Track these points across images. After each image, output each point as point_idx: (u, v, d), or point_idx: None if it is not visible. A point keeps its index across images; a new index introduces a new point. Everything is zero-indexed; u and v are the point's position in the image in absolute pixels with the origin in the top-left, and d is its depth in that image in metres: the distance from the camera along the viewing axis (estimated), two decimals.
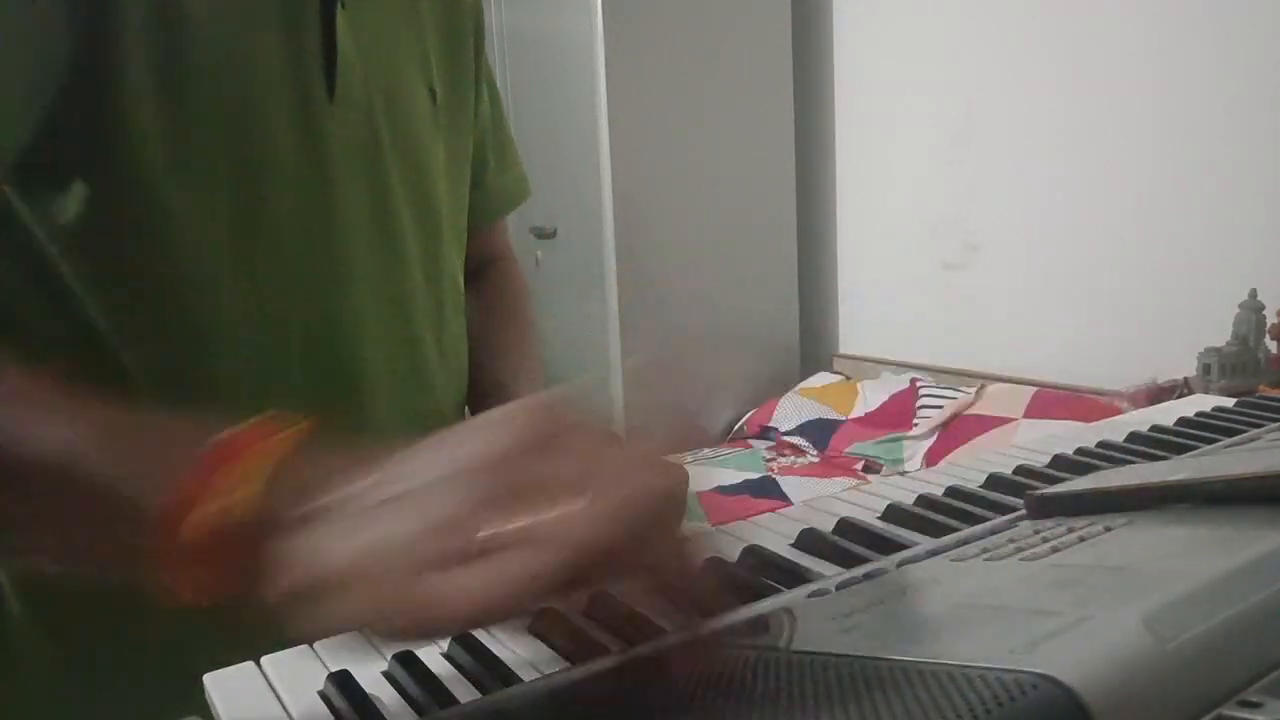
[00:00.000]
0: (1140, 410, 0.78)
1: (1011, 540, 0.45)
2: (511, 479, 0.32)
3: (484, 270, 0.85)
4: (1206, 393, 1.56)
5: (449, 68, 0.70)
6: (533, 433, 0.33)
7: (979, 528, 0.52)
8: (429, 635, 0.35)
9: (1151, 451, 0.64)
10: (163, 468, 0.36)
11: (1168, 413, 0.74)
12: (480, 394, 0.76)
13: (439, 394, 0.69)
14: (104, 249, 0.53)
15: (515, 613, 0.33)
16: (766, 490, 2.22)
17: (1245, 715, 0.28)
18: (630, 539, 0.31)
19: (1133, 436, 0.68)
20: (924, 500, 0.59)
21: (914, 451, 2.30)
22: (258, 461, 0.36)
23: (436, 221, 0.67)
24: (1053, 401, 2.18)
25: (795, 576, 0.50)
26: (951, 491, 0.60)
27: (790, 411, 2.61)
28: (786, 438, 2.58)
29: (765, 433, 2.64)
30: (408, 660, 0.43)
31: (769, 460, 2.48)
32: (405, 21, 0.65)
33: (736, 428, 2.73)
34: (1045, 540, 0.42)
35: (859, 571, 0.48)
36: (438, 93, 0.67)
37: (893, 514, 0.57)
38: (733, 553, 0.54)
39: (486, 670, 0.42)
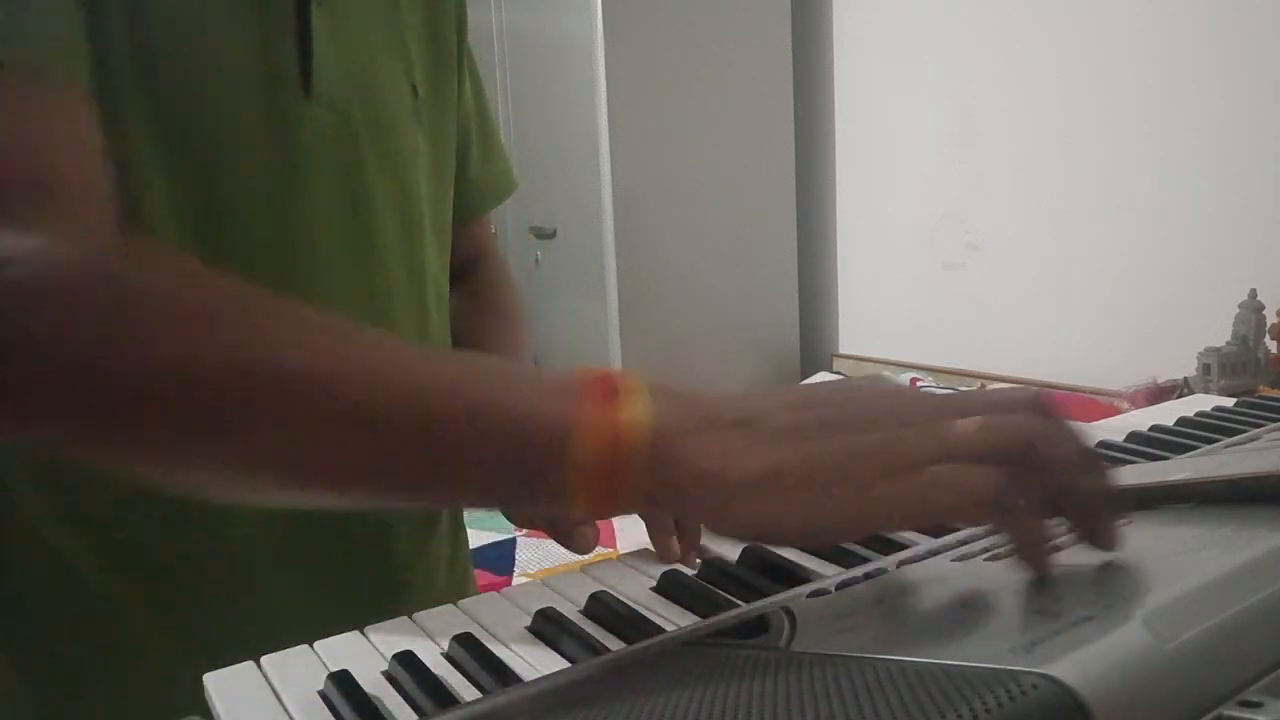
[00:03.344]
0: (1140, 410, 0.78)
1: None
2: (918, 410, 0.38)
3: (470, 267, 0.83)
4: (1206, 393, 1.57)
5: (431, 61, 0.69)
6: (891, 388, 0.40)
7: (979, 528, 0.52)
8: (911, 524, 0.39)
9: (1151, 451, 0.64)
10: (554, 391, 0.39)
11: (1168, 413, 0.74)
12: None
13: None
14: None
15: (958, 517, 0.39)
16: None
17: (1245, 715, 0.28)
18: (1054, 436, 0.38)
19: (1133, 436, 0.68)
20: None
21: None
22: (634, 386, 0.39)
23: (418, 219, 0.66)
24: None
25: (795, 576, 0.50)
26: None
27: None
28: None
29: None
30: (408, 660, 0.43)
31: None
32: (385, 15, 0.64)
33: None
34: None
35: (859, 571, 0.48)
36: (419, 87, 0.66)
37: None
38: (733, 553, 0.54)
39: (486, 670, 0.42)
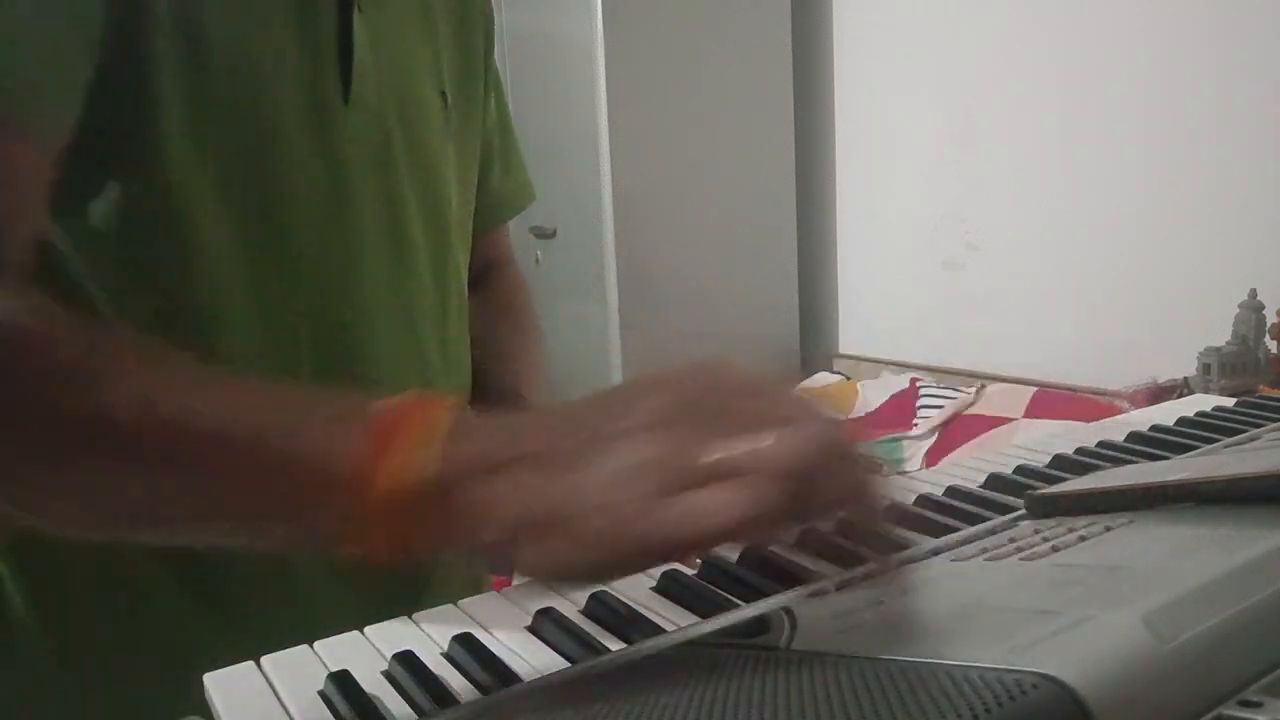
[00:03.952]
0: (1140, 410, 0.78)
1: (1012, 540, 0.45)
2: (713, 419, 0.36)
3: (487, 274, 0.85)
4: (1206, 393, 1.57)
5: (460, 71, 0.71)
6: (711, 383, 0.37)
7: (979, 528, 0.52)
8: (661, 558, 0.36)
9: (1151, 451, 0.64)
10: (341, 434, 0.38)
11: (1168, 413, 0.74)
12: (488, 399, 0.76)
13: None
14: (126, 250, 0.54)
15: (742, 537, 0.36)
16: None
17: (1245, 715, 0.28)
18: (829, 465, 0.35)
19: (1133, 436, 0.68)
20: (924, 500, 0.59)
21: (914, 451, 2.30)
22: (428, 424, 0.38)
23: (445, 225, 0.68)
24: (1053, 401, 2.18)
25: (795, 576, 0.50)
26: (951, 491, 0.60)
27: None
28: None
29: None
30: (408, 660, 0.43)
31: None
32: (418, 25, 0.66)
33: None
34: (1045, 540, 0.42)
35: (859, 571, 0.48)
36: (449, 96, 0.68)
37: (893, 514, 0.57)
38: (733, 553, 0.54)
39: (486, 670, 0.42)
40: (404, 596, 0.57)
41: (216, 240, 0.55)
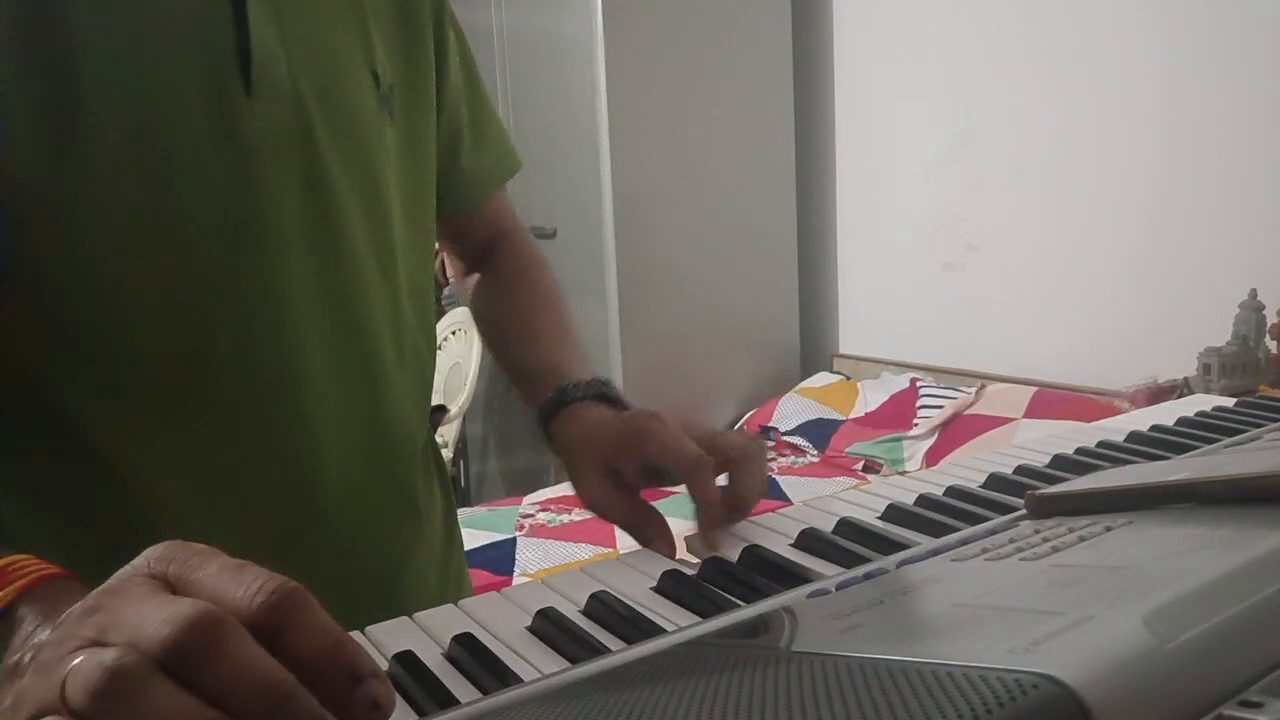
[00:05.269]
0: (1140, 410, 0.78)
1: (1012, 540, 0.45)
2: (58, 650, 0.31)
3: (492, 249, 0.82)
4: (1206, 393, 1.57)
5: (401, 49, 0.67)
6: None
7: (979, 528, 0.52)
8: None
9: (1151, 451, 0.64)
10: None
11: (1168, 413, 0.74)
12: (527, 379, 0.72)
13: (397, 393, 0.66)
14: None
15: None
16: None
17: (1245, 715, 0.28)
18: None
19: (1133, 436, 0.68)
20: (924, 500, 0.59)
21: (914, 451, 2.30)
22: None
23: (386, 213, 0.65)
24: (1053, 401, 2.18)
25: (795, 576, 0.50)
26: (951, 491, 0.60)
27: (790, 411, 2.61)
28: (786, 438, 2.58)
29: (765, 433, 2.64)
30: (408, 660, 0.43)
31: (769, 460, 2.48)
32: (342, 5, 0.63)
33: (736, 428, 2.74)
34: (1045, 540, 0.42)
35: (859, 571, 0.48)
36: (382, 77, 0.64)
37: (893, 514, 0.57)
38: (733, 553, 0.54)
39: (486, 670, 0.42)
40: (366, 612, 0.55)
41: (104, 248, 0.53)
